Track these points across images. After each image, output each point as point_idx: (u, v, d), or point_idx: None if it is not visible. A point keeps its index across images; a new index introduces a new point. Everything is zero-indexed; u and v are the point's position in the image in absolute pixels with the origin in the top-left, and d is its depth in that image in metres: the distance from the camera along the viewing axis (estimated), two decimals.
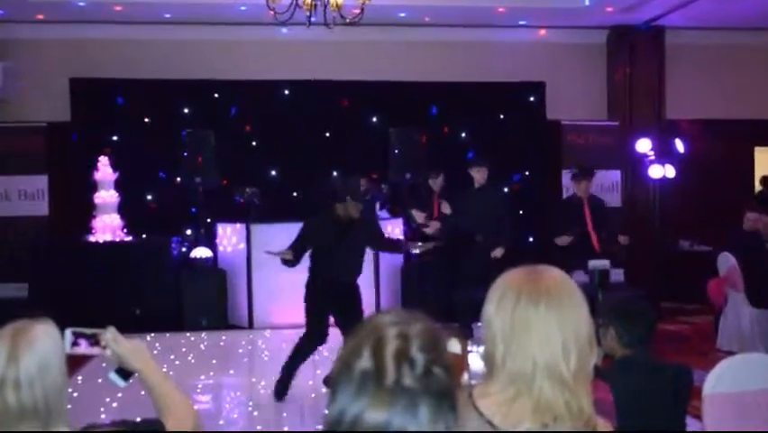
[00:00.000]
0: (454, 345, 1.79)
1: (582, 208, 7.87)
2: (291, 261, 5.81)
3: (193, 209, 9.42)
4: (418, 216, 8.43)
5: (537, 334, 1.52)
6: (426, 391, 1.18)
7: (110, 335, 1.99)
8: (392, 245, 6.89)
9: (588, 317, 1.58)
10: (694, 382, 3.06)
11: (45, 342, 1.76)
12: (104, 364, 6.11)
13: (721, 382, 3.25)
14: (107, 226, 8.80)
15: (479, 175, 8.10)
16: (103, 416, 5.20)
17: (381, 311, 1.31)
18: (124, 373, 2.02)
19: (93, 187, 8.89)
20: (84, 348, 1.97)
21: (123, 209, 8.99)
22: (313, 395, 5.89)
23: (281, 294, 8.47)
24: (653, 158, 9.95)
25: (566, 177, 10.09)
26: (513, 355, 1.53)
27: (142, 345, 2.05)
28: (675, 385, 3.00)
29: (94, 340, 1.98)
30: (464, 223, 7.92)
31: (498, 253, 7.70)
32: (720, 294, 7.34)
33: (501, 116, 10.28)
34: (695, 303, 8.81)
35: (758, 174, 11.04)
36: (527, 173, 10.31)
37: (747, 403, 3.22)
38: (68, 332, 1.94)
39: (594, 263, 7.09)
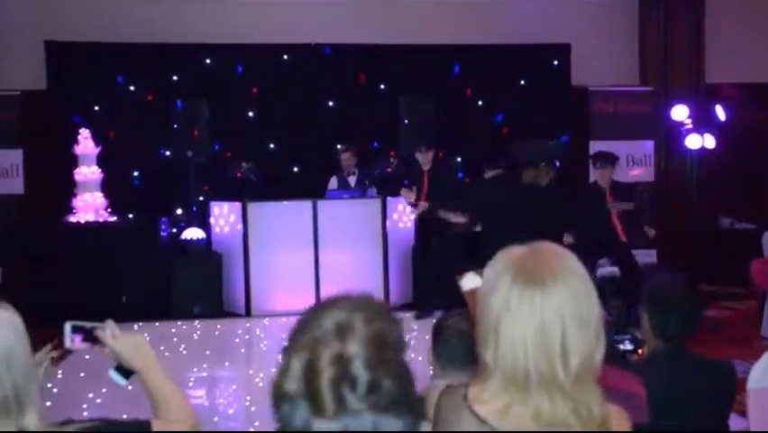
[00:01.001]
0: (473, 280, 1.75)
1: (605, 198, 7.80)
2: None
3: (188, 186, 9.39)
4: (407, 194, 8.27)
5: (532, 331, 1.47)
6: (373, 407, 1.17)
7: (108, 331, 2.00)
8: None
9: (596, 305, 1.52)
10: (737, 379, 3.00)
11: (7, 330, 1.73)
12: (86, 357, 6.13)
13: None
14: (89, 206, 8.78)
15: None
16: (85, 414, 5.21)
17: (322, 304, 1.28)
18: (125, 371, 2.02)
19: (73, 162, 8.86)
20: (81, 344, 1.99)
21: (106, 187, 8.94)
22: None
23: (281, 278, 8.47)
24: (690, 127, 9.87)
25: (594, 148, 10.00)
26: (503, 357, 1.49)
27: (144, 340, 2.05)
28: (715, 384, 2.91)
29: (92, 335, 1.99)
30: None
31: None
32: (766, 276, 7.30)
33: (522, 82, 10.19)
34: (737, 287, 8.77)
35: None
36: (550, 144, 10.24)
37: None
38: (68, 326, 1.97)
39: (602, 271, 6.99)
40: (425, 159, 8.28)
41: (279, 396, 1.21)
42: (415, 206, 8.32)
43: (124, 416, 2.02)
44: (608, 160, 7.88)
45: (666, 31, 10.44)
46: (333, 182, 8.99)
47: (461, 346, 2.59)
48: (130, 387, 2.07)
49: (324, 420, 1.17)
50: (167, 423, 1.95)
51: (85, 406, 5.42)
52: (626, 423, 1.62)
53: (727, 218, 10.28)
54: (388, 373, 1.19)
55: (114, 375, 2.03)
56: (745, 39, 10.52)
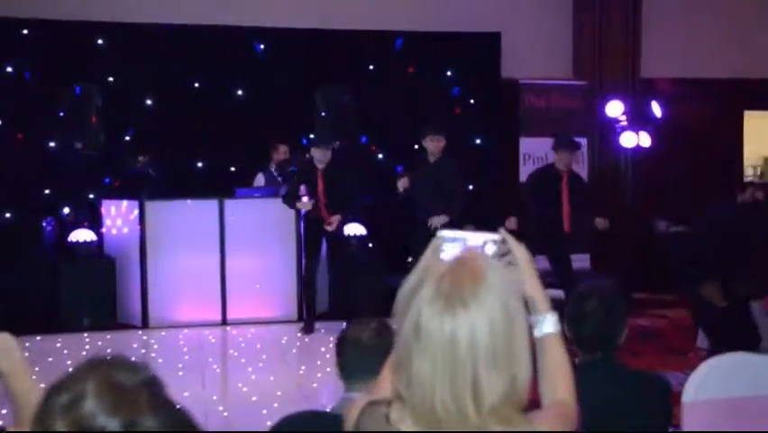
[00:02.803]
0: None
1: (560, 183, 8.04)
2: None
3: (77, 182, 9.15)
4: (305, 201, 8.02)
5: (441, 364, 1.42)
6: None
7: None
8: None
9: (521, 332, 1.47)
10: (672, 393, 3.06)
11: None
12: None
13: (704, 387, 3.28)
14: None
15: (433, 145, 8.01)
16: None
17: (45, 397, 1.29)
18: None
19: None
20: None
21: None
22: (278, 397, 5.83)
23: (182, 286, 8.35)
24: (625, 123, 10.09)
25: (524, 145, 10.19)
26: (413, 393, 1.45)
27: (11, 340, 2.00)
28: (647, 399, 2.94)
29: None
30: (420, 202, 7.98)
31: (437, 221, 7.60)
32: None
33: (448, 73, 10.27)
34: (673, 294, 9.00)
35: (747, 142, 11.32)
36: (478, 141, 10.36)
37: (735, 412, 3.27)
38: None
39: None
40: (323, 156, 8.07)
41: None
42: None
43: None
44: (566, 144, 8.13)
45: (601, 22, 10.69)
46: (260, 179, 8.86)
47: (361, 358, 2.63)
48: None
49: None
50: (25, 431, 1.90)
51: None
52: (557, 423, 1.63)
53: (663, 221, 10.55)
54: (138, 411, 1.22)
55: None
56: (681, 32, 10.84)
